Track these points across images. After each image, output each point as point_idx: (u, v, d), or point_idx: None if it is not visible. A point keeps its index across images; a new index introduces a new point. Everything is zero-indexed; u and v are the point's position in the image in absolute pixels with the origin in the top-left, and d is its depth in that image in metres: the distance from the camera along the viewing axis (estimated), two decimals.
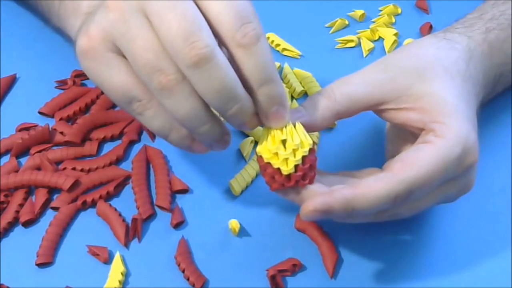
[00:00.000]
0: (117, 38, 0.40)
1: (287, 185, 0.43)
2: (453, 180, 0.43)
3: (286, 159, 0.42)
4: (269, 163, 0.42)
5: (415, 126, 0.44)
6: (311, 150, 0.43)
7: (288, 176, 0.42)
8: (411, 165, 0.41)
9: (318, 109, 0.44)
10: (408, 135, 0.46)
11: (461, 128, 0.42)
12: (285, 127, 0.42)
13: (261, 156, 0.43)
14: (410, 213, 0.44)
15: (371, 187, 0.41)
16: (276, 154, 0.42)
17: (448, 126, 0.42)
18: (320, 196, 0.41)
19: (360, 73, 0.45)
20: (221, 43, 0.39)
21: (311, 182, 0.43)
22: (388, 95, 0.44)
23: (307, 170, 0.42)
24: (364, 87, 0.44)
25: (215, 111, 0.41)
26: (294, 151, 0.42)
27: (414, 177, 0.41)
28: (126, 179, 0.52)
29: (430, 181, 0.41)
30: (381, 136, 0.54)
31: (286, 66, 0.58)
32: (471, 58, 0.47)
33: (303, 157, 0.42)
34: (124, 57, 0.40)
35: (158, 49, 0.39)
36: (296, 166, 0.42)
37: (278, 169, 0.42)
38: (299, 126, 0.43)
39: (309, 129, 0.43)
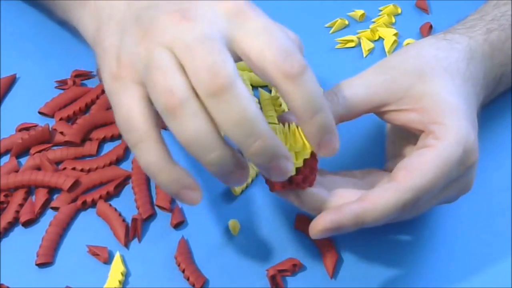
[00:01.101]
0: (143, 71, 0.40)
1: (288, 187, 0.43)
2: (455, 180, 0.43)
3: None
4: None
5: (416, 127, 0.44)
6: (312, 153, 0.42)
7: (289, 179, 0.42)
8: (415, 172, 0.41)
9: None
10: (409, 135, 0.46)
11: (460, 129, 0.42)
12: (288, 128, 0.42)
13: None
14: (411, 215, 0.44)
15: (379, 198, 0.41)
16: None
17: (447, 127, 0.42)
18: (328, 214, 0.41)
19: (361, 76, 0.45)
20: (267, 79, 0.39)
21: (311, 185, 0.43)
22: (389, 97, 0.44)
23: (308, 173, 0.42)
24: (365, 90, 0.44)
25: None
26: (296, 154, 0.42)
27: (420, 184, 0.41)
28: (126, 179, 0.52)
29: (436, 185, 0.42)
30: (381, 135, 0.54)
31: None
32: (471, 59, 0.47)
33: (305, 160, 0.42)
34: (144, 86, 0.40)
35: (175, 72, 0.38)
36: (297, 169, 0.42)
37: None
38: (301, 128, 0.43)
39: None
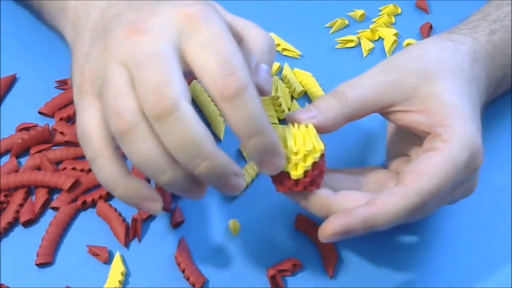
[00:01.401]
0: (101, 87, 0.40)
1: (295, 189, 0.42)
2: (461, 183, 0.43)
3: (296, 163, 0.42)
4: None
5: (421, 129, 0.44)
6: (321, 156, 0.42)
7: (297, 181, 0.42)
8: (423, 176, 0.41)
9: (330, 112, 0.43)
10: (410, 136, 0.46)
11: (467, 132, 0.42)
12: (298, 128, 0.42)
13: None
14: (417, 218, 0.44)
15: (387, 202, 0.41)
16: (287, 157, 0.42)
17: (454, 130, 0.42)
18: (337, 218, 0.41)
19: (368, 75, 0.45)
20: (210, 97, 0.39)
21: (318, 187, 0.43)
22: (397, 98, 0.44)
23: (316, 176, 0.42)
24: (373, 91, 0.44)
25: None
26: (305, 156, 0.42)
27: (427, 188, 0.41)
28: None
29: (443, 189, 0.42)
30: (381, 134, 0.54)
31: (286, 66, 0.58)
32: (475, 60, 0.47)
33: (314, 163, 0.42)
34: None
35: (126, 94, 0.38)
36: (305, 172, 0.42)
37: (287, 172, 0.42)
38: (311, 128, 0.42)
39: (319, 131, 0.43)
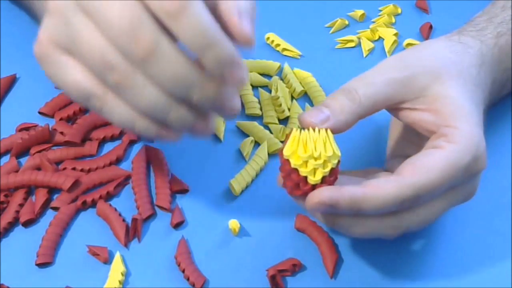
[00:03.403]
0: (63, 41, 0.40)
1: (309, 192, 0.42)
2: (459, 187, 0.43)
3: (316, 168, 0.41)
4: (295, 169, 0.42)
5: (427, 128, 0.44)
6: (338, 162, 0.42)
7: (314, 186, 0.42)
8: (420, 169, 0.41)
9: (343, 113, 0.43)
10: (413, 136, 0.46)
11: (473, 136, 0.42)
12: (318, 132, 0.42)
13: (287, 160, 0.42)
14: (418, 227, 0.44)
15: (380, 188, 0.41)
16: (306, 162, 0.41)
17: (460, 132, 0.42)
18: (328, 189, 0.41)
19: (380, 71, 0.44)
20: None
21: None
22: (407, 95, 0.44)
23: (332, 182, 0.42)
24: (385, 88, 0.44)
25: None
26: (325, 162, 0.41)
27: (423, 182, 0.41)
28: (126, 179, 0.52)
29: (438, 187, 0.41)
30: (381, 135, 0.54)
31: (286, 66, 0.58)
32: (482, 64, 0.47)
33: (332, 169, 0.42)
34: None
35: (105, 47, 0.38)
36: (323, 177, 0.42)
37: (305, 177, 0.42)
38: (330, 134, 0.42)
39: (332, 132, 0.43)
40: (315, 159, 0.41)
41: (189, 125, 0.41)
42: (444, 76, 0.44)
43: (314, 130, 0.42)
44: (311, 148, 0.41)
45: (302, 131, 0.42)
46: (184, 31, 0.36)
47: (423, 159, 0.42)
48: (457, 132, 0.42)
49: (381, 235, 0.43)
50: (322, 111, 0.43)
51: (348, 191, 0.41)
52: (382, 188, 0.41)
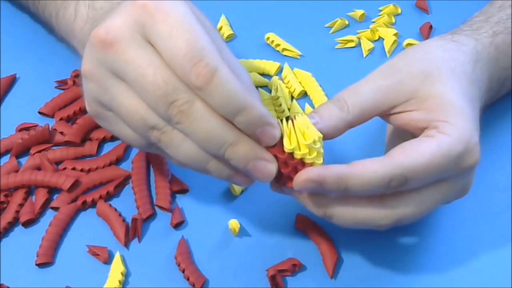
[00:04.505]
0: (105, 103, 0.42)
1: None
2: (451, 180, 0.43)
3: (319, 152, 0.42)
4: (301, 160, 0.42)
5: (419, 126, 0.44)
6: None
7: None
8: (410, 152, 0.41)
9: (332, 120, 0.43)
10: (409, 135, 0.46)
11: (465, 128, 0.42)
12: (301, 117, 0.42)
13: (290, 154, 0.42)
14: (410, 219, 0.43)
15: (367, 167, 0.41)
16: (309, 149, 0.42)
17: (452, 125, 0.42)
18: (316, 168, 0.41)
19: (368, 81, 0.45)
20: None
21: None
22: (397, 100, 0.44)
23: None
24: (373, 96, 0.44)
25: None
26: (318, 153, 0.42)
27: (411, 163, 0.41)
28: (126, 179, 0.52)
29: (427, 172, 0.41)
30: (380, 135, 0.54)
31: (286, 66, 0.58)
32: (477, 61, 0.47)
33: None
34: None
35: (142, 111, 0.40)
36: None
37: (310, 164, 0.42)
38: (306, 119, 0.43)
39: (324, 137, 0.43)
40: (314, 142, 0.42)
41: (227, 177, 0.43)
42: (434, 75, 0.44)
43: (291, 119, 0.42)
44: (309, 134, 0.41)
45: (285, 122, 0.42)
46: (213, 100, 0.39)
47: (413, 143, 0.42)
48: (449, 125, 0.42)
49: (373, 225, 0.43)
50: (312, 116, 0.44)
51: (335, 168, 0.41)
52: (369, 166, 0.41)
